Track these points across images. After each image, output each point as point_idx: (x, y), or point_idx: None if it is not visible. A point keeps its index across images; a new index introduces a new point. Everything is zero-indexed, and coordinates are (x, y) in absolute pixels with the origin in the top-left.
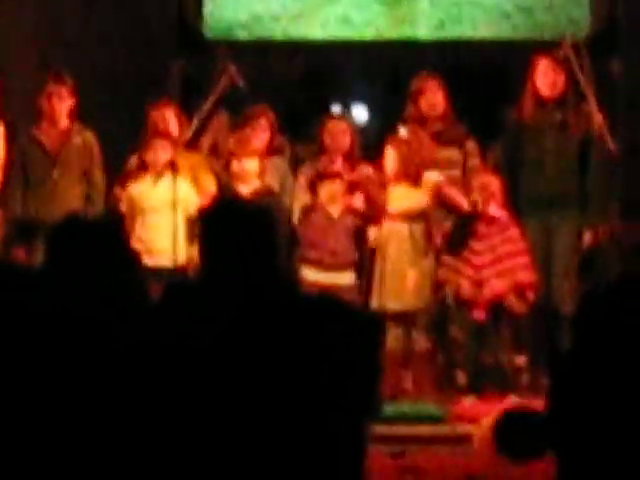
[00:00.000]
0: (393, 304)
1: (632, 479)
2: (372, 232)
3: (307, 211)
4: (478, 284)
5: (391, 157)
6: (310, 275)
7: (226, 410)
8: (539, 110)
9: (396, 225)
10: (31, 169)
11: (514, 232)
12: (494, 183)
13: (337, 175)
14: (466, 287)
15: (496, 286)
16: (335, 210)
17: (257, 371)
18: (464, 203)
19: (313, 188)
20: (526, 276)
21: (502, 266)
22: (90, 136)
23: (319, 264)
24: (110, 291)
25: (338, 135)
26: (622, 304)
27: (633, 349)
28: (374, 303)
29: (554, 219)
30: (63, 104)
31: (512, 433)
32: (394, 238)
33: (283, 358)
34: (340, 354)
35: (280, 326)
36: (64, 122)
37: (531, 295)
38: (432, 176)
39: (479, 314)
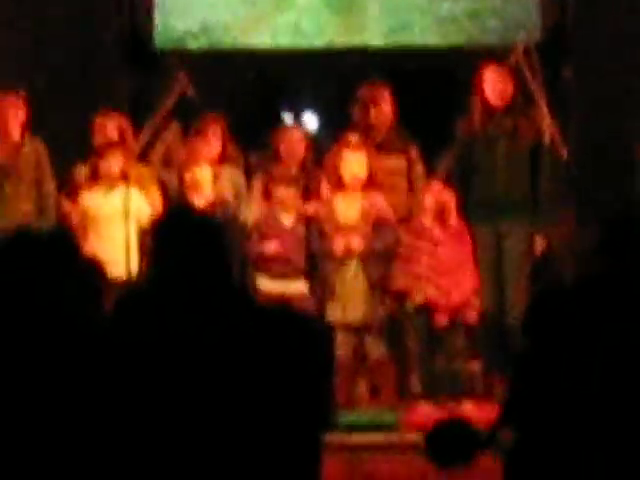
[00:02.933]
0: (345, 315)
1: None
2: (338, 243)
3: (261, 219)
4: (443, 290)
5: (362, 162)
6: (263, 283)
7: (180, 420)
8: (489, 119)
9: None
10: None
11: (466, 240)
12: (450, 199)
13: (292, 180)
14: (431, 293)
15: (460, 292)
16: (288, 218)
17: (211, 380)
18: None
19: (267, 194)
20: (474, 283)
21: (460, 273)
22: (40, 146)
23: (271, 271)
24: (63, 303)
25: (293, 144)
26: (571, 306)
27: (582, 349)
28: (329, 313)
29: (505, 225)
30: (16, 116)
31: (442, 442)
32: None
33: (236, 367)
34: (293, 363)
35: (233, 335)
36: (16, 134)
37: (477, 301)
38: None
39: (442, 319)
